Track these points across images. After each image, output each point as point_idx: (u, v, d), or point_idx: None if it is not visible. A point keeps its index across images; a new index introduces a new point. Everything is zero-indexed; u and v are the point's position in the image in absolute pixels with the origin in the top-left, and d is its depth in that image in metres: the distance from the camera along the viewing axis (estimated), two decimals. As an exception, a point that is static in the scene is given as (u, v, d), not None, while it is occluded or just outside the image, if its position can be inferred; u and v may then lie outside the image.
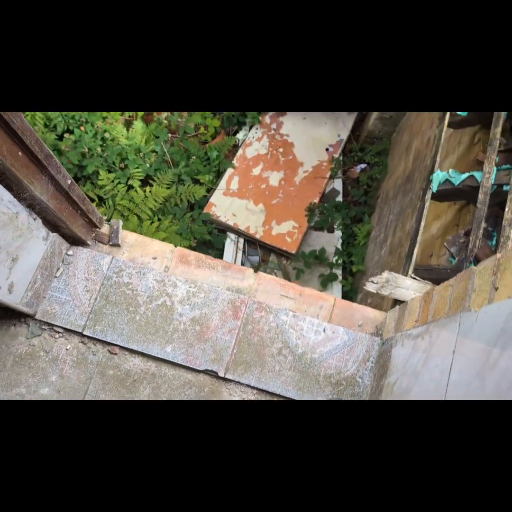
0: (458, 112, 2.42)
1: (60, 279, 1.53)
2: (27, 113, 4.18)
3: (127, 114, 4.66)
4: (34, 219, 1.33)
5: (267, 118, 4.69)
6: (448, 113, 2.47)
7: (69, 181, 1.34)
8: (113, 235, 1.70)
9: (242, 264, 4.36)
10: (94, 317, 1.53)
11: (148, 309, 1.56)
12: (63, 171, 1.31)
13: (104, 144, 4.21)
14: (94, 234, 1.67)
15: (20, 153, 1.11)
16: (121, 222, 1.72)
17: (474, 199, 2.22)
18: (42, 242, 1.41)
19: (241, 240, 4.37)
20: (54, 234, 1.46)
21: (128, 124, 4.66)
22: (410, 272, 2.29)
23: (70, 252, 1.56)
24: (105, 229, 1.71)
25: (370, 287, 2.16)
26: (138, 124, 4.45)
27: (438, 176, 2.36)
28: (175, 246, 1.79)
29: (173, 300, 1.58)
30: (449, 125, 2.52)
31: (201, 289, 1.60)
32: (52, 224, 1.46)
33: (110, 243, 1.71)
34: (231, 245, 4.31)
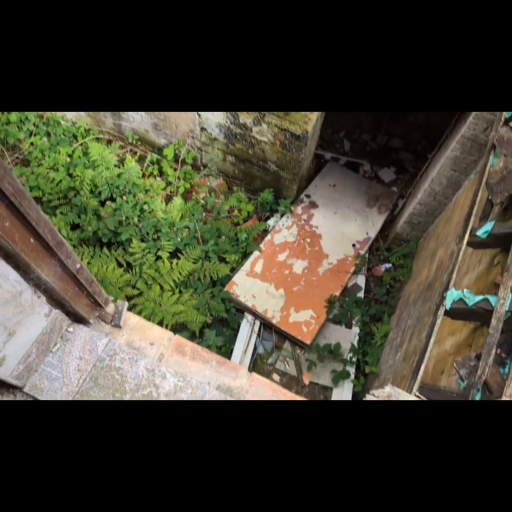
0: (477, 234, 2.44)
1: (56, 355, 1.57)
2: (77, 175, 4.51)
3: (169, 189, 4.95)
4: (38, 297, 1.40)
5: (299, 208, 4.86)
6: (468, 233, 2.50)
7: (78, 265, 1.42)
8: (116, 315, 1.76)
9: (255, 347, 4.31)
10: (79, 398, 1.54)
11: (133, 397, 1.56)
12: (73, 256, 1.39)
13: (142, 215, 4.45)
14: (97, 313, 1.72)
15: (32, 240, 1.20)
16: (126, 304, 1.78)
17: (487, 322, 2.17)
18: (43, 318, 1.48)
19: (257, 323, 4.36)
20: (57, 311, 1.53)
21: (168, 199, 4.93)
22: (414, 389, 2.20)
23: (70, 329, 1.62)
24: (110, 308, 1.77)
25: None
26: (177, 200, 4.70)
27: (452, 294, 2.34)
28: (175, 333, 1.81)
29: (159, 392, 1.58)
30: (468, 244, 2.53)
31: (189, 384, 1.60)
32: (57, 302, 1.53)
33: (112, 323, 1.76)
34: (246, 326, 4.30)
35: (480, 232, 2.44)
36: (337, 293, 4.37)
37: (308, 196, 4.98)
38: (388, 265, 4.50)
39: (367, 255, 4.62)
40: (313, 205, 4.93)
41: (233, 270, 4.51)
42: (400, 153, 5.56)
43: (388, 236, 4.75)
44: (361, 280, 4.53)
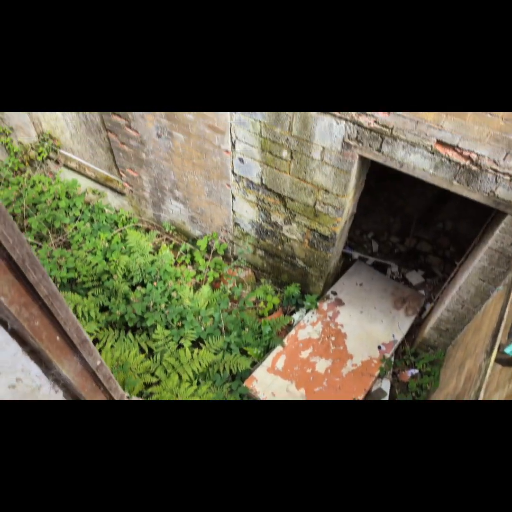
0: (505, 351, 2.37)
1: (64, 450, 1.56)
2: (113, 259, 4.74)
3: (198, 277, 5.09)
4: (56, 392, 1.43)
5: (324, 305, 4.87)
6: (496, 349, 2.43)
7: (99, 362, 1.46)
8: (129, 412, 1.75)
9: (272, 449, 4.09)
10: (80, 500, 1.50)
11: (134, 505, 1.50)
12: (94, 353, 1.44)
13: (169, 302, 4.55)
14: (111, 409, 1.72)
15: (57, 338, 1.26)
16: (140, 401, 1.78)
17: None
18: (57, 413, 1.49)
19: (275, 423, 4.17)
20: (72, 405, 1.55)
21: (196, 287, 5.06)
22: None
23: (82, 424, 1.62)
24: (124, 404, 1.77)
25: None
26: (205, 289, 4.81)
27: (480, 415, 2.21)
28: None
29: (162, 501, 1.52)
30: (497, 361, 2.45)
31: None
32: (73, 396, 1.55)
33: (124, 420, 1.74)
34: (264, 426, 4.11)
35: (508, 350, 2.36)
36: (360, 397, 4.19)
37: (334, 293, 5.00)
38: (415, 371, 4.33)
39: (392, 359, 4.48)
40: (339, 302, 4.92)
41: (254, 365, 4.44)
42: (428, 257, 5.60)
43: (415, 340, 4.64)
44: (385, 385, 4.35)
